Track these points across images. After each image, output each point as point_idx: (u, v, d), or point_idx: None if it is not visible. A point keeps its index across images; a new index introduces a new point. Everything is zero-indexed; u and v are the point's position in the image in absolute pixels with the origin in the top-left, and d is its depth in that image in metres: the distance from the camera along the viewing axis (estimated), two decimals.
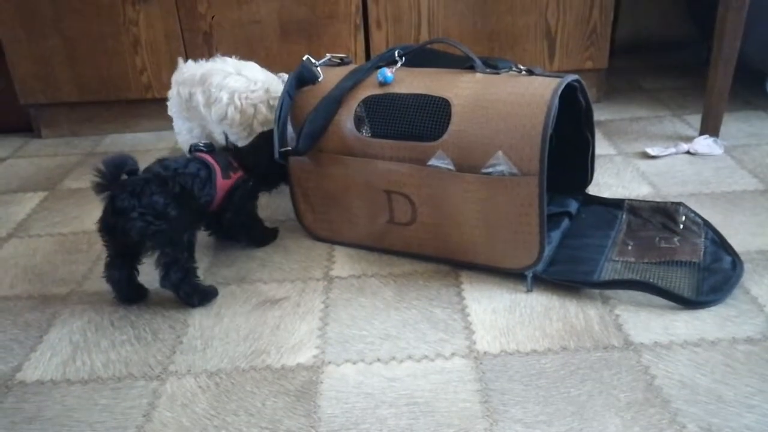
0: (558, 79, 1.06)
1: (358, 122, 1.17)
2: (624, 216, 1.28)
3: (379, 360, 0.98)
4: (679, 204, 1.26)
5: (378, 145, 1.14)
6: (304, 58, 1.24)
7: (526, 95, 1.04)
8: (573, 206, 1.29)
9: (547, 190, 1.04)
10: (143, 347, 1.04)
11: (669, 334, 1.00)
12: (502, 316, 1.06)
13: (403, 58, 1.21)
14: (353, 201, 1.22)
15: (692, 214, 1.23)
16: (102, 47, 1.80)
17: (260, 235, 1.30)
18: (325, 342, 1.03)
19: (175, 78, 1.46)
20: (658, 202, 1.28)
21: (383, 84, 1.16)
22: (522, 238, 1.08)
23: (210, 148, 1.20)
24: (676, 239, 1.19)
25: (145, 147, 1.83)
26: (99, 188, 1.03)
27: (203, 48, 1.80)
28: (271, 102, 1.38)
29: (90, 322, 1.11)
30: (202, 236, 1.26)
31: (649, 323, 1.02)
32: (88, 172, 1.68)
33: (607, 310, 1.06)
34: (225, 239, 1.32)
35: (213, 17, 1.76)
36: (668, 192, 1.41)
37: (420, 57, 1.22)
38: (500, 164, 1.04)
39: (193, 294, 1.11)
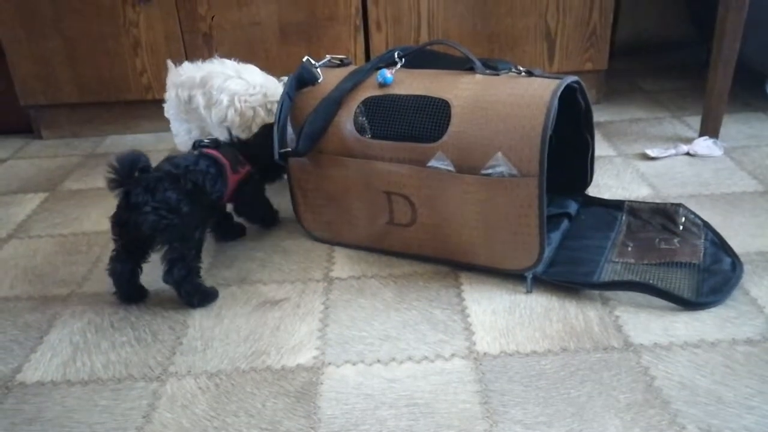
0: (557, 81, 1.06)
1: (360, 129, 1.17)
2: (624, 217, 1.28)
3: (378, 361, 0.98)
4: (679, 205, 1.26)
5: (378, 146, 1.14)
6: (304, 60, 1.24)
7: (525, 96, 1.05)
8: (573, 207, 1.29)
9: (546, 191, 1.04)
10: (143, 348, 1.04)
11: (669, 336, 1.00)
12: (501, 317, 1.06)
13: (403, 60, 1.21)
14: (353, 202, 1.22)
15: (692, 216, 1.24)
16: (102, 48, 1.80)
17: (270, 217, 1.35)
18: (325, 343, 1.03)
19: (173, 80, 1.46)
20: (657, 204, 1.28)
21: (383, 85, 1.16)
22: (522, 239, 1.08)
23: (216, 143, 1.22)
24: (675, 240, 1.19)
25: (145, 148, 1.83)
26: (113, 184, 1.04)
27: (203, 49, 1.80)
28: (269, 106, 1.39)
29: (90, 323, 1.11)
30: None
31: (648, 324, 1.02)
32: (89, 173, 1.70)
33: (606, 311, 1.06)
34: (225, 240, 1.32)
35: (213, 17, 1.76)
36: (668, 193, 1.41)
37: (420, 58, 1.22)
38: (500, 165, 1.05)
39: (194, 293, 1.12)
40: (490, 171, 1.06)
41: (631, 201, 1.31)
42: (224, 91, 1.39)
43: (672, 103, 1.92)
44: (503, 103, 1.05)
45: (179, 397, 0.94)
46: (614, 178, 1.50)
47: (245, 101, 1.39)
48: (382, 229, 1.21)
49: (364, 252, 1.26)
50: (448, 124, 1.08)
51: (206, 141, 1.22)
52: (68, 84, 1.85)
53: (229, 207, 1.31)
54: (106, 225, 1.42)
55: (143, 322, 1.11)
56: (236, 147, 1.25)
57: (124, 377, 0.99)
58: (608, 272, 1.13)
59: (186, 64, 1.48)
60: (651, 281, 1.09)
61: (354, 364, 0.98)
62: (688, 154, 1.58)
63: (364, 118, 1.18)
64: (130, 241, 1.10)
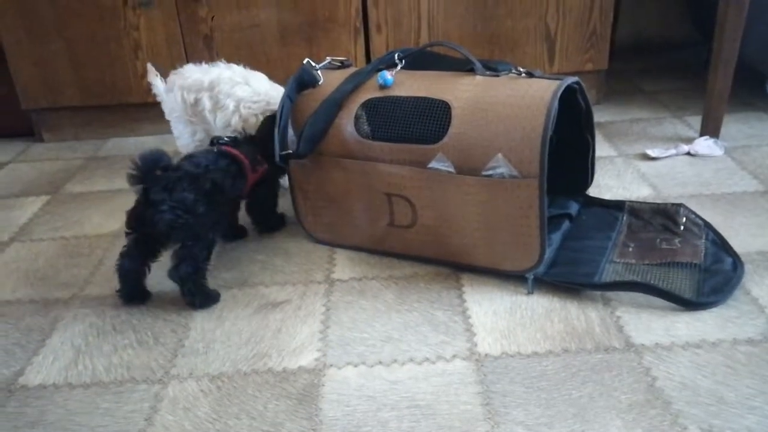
0: (557, 82, 1.06)
1: (361, 131, 1.17)
2: (624, 218, 1.28)
3: (380, 363, 0.98)
4: (680, 205, 1.26)
5: (378, 147, 1.15)
6: (305, 62, 1.24)
7: (525, 97, 1.05)
8: (573, 208, 1.29)
9: (547, 192, 1.04)
10: (145, 351, 1.05)
11: (670, 336, 1.00)
12: (503, 318, 1.06)
13: (403, 61, 1.21)
14: (354, 204, 1.22)
15: (693, 216, 1.24)
16: (104, 51, 1.81)
17: (275, 222, 1.36)
18: (327, 345, 1.03)
19: (179, 82, 1.46)
20: (658, 204, 1.28)
21: (383, 87, 1.16)
22: (522, 240, 1.08)
23: (235, 141, 1.23)
24: (676, 241, 1.19)
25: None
26: (134, 180, 1.06)
27: (204, 52, 1.80)
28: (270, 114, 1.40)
29: (92, 326, 1.11)
30: None
31: (650, 325, 1.02)
32: (90, 176, 1.70)
33: (608, 311, 1.06)
34: (227, 241, 1.32)
35: (213, 18, 1.76)
36: (669, 193, 1.41)
37: (420, 60, 1.22)
38: (500, 166, 1.05)
39: (196, 293, 1.12)
40: (490, 172, 1.06)
41: (632, 201, 1.31)
42: (231, 96, 1.40)
43: (672, 103, 1.92)
44: (503, 104, 1.06)
45: (181, 399, 0.94)
46: (615, 178, 1.50)
47: (248, 107, 1.40)
48: (382, 231, 1.22)
49: (365, 254, 1.26)
50: (448, 126, 1.09)
51: (225, 139, 1.23)
52: (70, 87, 1.85)
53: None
54: (108, 228, 1.43)
55: (145, 324, 1.11)
56: (255, 145, 1.25)
57: (126, 380, 0.99)
58: (609, 273, 1.13)
59: (190, 66, 1.48)
60: (652, 281, 1.09)
61: (355, 365, 0.98)
62: (688, 154, 1.58)
63: (364, 120, 1.19)
64: (143, 237, 1.11)
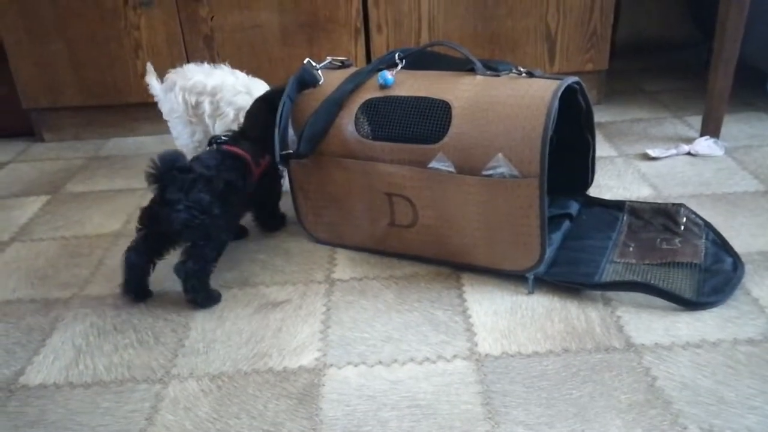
0: (558, 82, 1.06)
1: (361, 131, 1.17)
2: (625, 217, 1.28)
3: (380, 362, 0.99)
4: (680, 205, 1.26)
5: (379, 147, 1.15)
6: (305, 62, 1.24)
7: (526, 97, 1.05)
8: (574, 208, 1.29)
9: (547, 192, 1.04)
10: (146, 351, 1.05)
11: (670, 336, 1.00)
12: (503, 317, 1.06)
13: (404, 61, 1.21)
14: (354, 203, 1.22)
15: (693, 216, 1.24)
16: (104, 51, 1.81)
17: (278, 221, 1.37)
18: (327, 345, 1.03)
19: (181, 83, 1.45)
20: (659, 204, 1.28)
21: (384, 87, 1.16)
22: (523, 240, 1.08)
23: (234, 139, 1.24)
24: (677, 240, 1.19)
25: (147, 150, 1.84)
26: (151, 179, 1.07)
27: (204, 52, 1.80)
28: None
29: (92, 325, 1.11)
30: None
31: (650, 324, 1.02)
32: (91, 176, 1.70)
33: (608, 311, 1.06)
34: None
35: (212, 17, 1.76)
36: (669, 193, 1.41)
37: (420, 60, 1.22)
38: (501, 166, 1.05)
39: (199, 290, 1.13)
40: (490, 172, 1.06)
41: (632, 201, 1.31)
42: (232, 105, 1.41)
43: (673, 103, 1.92)
44: (504, 104, 1.06)
45: (182, 399, 0.94)
46: (615, 178, 1.50)
47: (239, 126, 1.40)
48: (383, 231, 1.22)
49: (365, 253, 1.27)
50: (448, 126, 1.09)
51: (223, 137, 1.24)
52: (70, 87, 1.85)
53: None
54: (108, 228, 1.43)
55: (145, 324, 1.11)
56: (246, 137, 1.25)
57: (126, 379, 0.99)
58: (609, 272, 1.13)
59: (191, 66, 1.47)
60: (652, 281, 1.09)
61: (356, 365, 0.98)
62: (689, 154, 1.58)
63: (365, 120, 1.19)
64: (153, 235, 1.13)
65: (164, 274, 1.24)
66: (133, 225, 1.42)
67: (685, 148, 1.59)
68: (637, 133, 1.74)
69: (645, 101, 1.96)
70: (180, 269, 1.11)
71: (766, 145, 1.61)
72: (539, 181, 1.03)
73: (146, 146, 1.88)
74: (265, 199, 1.33)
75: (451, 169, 1.09)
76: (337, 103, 1.17)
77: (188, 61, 1.79)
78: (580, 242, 1.21)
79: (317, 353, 1.01)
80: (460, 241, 1.15)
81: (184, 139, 1.54)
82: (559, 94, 1.04)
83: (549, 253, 1.14)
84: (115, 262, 1.30)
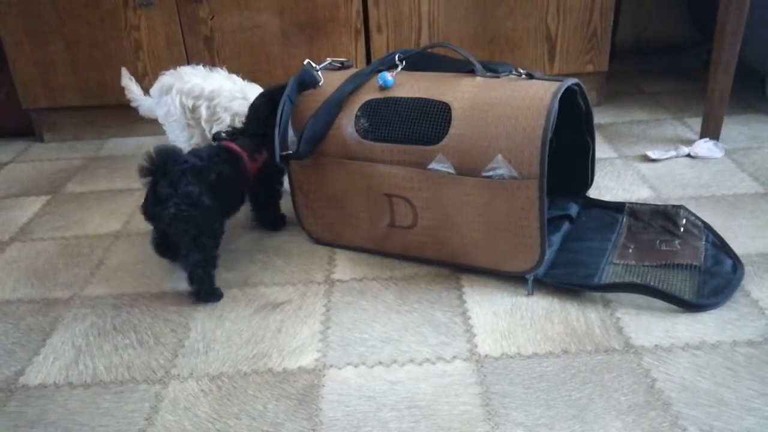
0: (557, 83, 1.06)
1: (361, 132, 1.18)
2: (624, 219, 1.28)
3: (380, 363, 0.99)
4: (680, 207, 1.26)
5: (378, 148, 1.15)
6: (305, 63, 1.24)
7: (525, 99, 1.05)
8: (573, 209, 1.29)
9: (547, 193, 1.04)
10: (145, 351, 1.05)
11: (670, 337, 1.00)
12: (503, 319, 1.06)
13: (404, 62, 1.21)
14: (354, 204, 1.22)
15: (693, 217, 1.24)
16: (104, 52, 1.81)
17: (277, 220, 1.38)
18: (327, 345, 1.03)
19: (178, 86, 1.45)
20: (658, 205, 1.28)
21: (383, 88, 1.17)
22: (522, 242, 1.08)
23: (233, 135, 1.27)
24: (676, 242, 1.19)
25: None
26: (144, 172, 1.10)
27: (204, 53, 1.80)
28: None
29: (92, 325, 1.11)
30: None
31: (649, 326, 1.02)
32: (91, 176, 1.70)
33: (608, 313, 1.06)
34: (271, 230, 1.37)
35: (212, 17, 1.76)
36: (669, 195, 1.41)
37: (420, 61, 1.22)
38: (500, 168, 1.05)
39: (204, 282, 1.14)
40: (490, 173, 1.06)
41: (632, 203, 1.31)
42: (228, 110, 1.42)
43: (673, 104, 1.93)
44: (503, 105, 1.06)
45: (181, 399, 0.94)
46: (615, 179, 1.50)
47: (242, 123, 1.41)
48: (383, 232, 1.22)
49: (365, 254, 1.27)
50: (448, 127, 1.09)
51: (223, 134, 1.27)
52: (70, 87, 1.85)
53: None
54: (108, 228, 1.43)
55: (145, 324, 1.11)
56: (246, 134, 1.28)
57: (126, 380, 0.99)
58: (609, 274, 1.13)
59: (187, 69, 1.47)
60: (652, 283, 1.09)
61: (355, 366, 0.98)
62: (688, 155, 1.59)
63: (364, 121, 1.19)
64: (158, 228, 1.18)
65: (164, 274, 1.24)
66: (133, 225, 1.43)
67: (685, 149, 1.59)
68: (637, 135, 1.74)
69: (645, 103, 1.96)
70: (185, 262, 1.13)
71: (765, 147, 1.61)
72: (539, 183, 1.03)
73: (146, 146, 1.85)
74: (264, 195, 1.34)
75: (451, 170, 1.09)
76: (336, 104, 1.17)
77: (188, 62, 1.79)
78: (580, 244, 1.21)
79: (317, 354, 1.01)
80: (459, 242, 1.15)
81: (182, 143, 1.53)
82: (559, 95, 1.04)
83: (548, 254, 1.14)
84: (115, 262, 1.30)
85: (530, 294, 1.11)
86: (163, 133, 1.86)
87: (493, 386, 0.93)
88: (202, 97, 1.43)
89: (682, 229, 1.22)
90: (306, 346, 1.03)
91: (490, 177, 1.06)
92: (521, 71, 1.13)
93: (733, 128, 1.71)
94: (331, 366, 0.99)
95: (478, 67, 1.14)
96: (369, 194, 1.19)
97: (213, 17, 1.77)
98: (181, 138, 1.52)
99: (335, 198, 1.24)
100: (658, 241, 1.20)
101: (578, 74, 1.73)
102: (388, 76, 1.17)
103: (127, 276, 1.25)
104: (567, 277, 1.12)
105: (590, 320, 1.05)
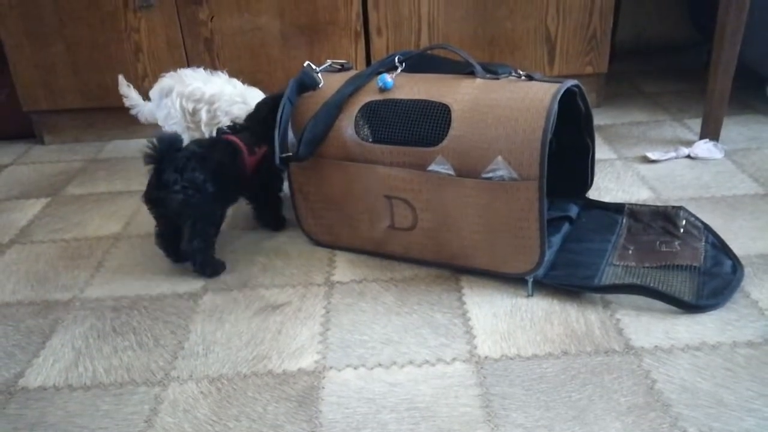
0: (557, 84, 1.06)
1: (361, 134, 1.18)
2: (624, 220, 1.28)
3: (380, 365, 0.99)
4: (680, 208, 1.26)
5: (378, 150, 1.15)
6: (305, 65, 1.24)
7: (525, 100, 1.05)
8: (573, 211, 1.29)
9: (547, 194, 1.04)
10: (145, 353, 1.05)
11: (670, 338, 1.00)
12: (503, 320, 1.06)
13: (403, 64, 1.21)
14: (354, 206, 1.22)
15: (692, 218, 1.24)
16: (104, 54, 1.81)
17: (278, 220, 1.39)
18: (327, 347, 1.03)
19: (179, 89, 1.45)
20: (658, 207, 1.28)
21: (383, 90, 1.17)
22: (522, 243, 1.08)
23: (235, 129, 1.31)
24: (676, 243, 1.19)
25: None
26: (148, 159, 1.13)
27: (204, 55, 1.80)
28: None
29: (92, 328, 1.11)
30: None
31: (649, 327, 1.02)
32: (91, 178, 1.70)
33: (607, 314, 1.06)
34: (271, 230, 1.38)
35: (212, 18, 1.76)
36: (668, 196, 1.41)
37: (420, 63, 1.22)
38: (500, 169, 1.05)
39: (207, 264, 1.21)
40: (490, 175, 1.06)
41: (632, 204, 1.31)
42: (228, 114, 1.42)
43: (672, 105, 1.93)
44: (503, 107, 1.06)
45: (181, 401, 0.94)
46: (615, 181, 1.50)
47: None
48: (383, 233, 1.22)
49: (365, 256, 1.27)
50: (448, 129, 1.09)
51: (225, 128, 1.31)
52: (70, 90, 1.86)
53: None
54: (108, 230, 1.43)
55: (145, 326, 1.11)
56: (249, 129, 1.30)
57: (126, 382, 0.99)
58: (609, 275, 1.13)
59: (187, 72, 1.47)
60: (652, 284, 1.09)
61: (355, 368, 0.98)
62: (688, 156, 1.58)
63: (364, 123, 1.19)
64: (161, 217, 1.20)
65: (163, 277, 1.24)
66: (133, 227, 1.43)
67: (685, 150, 1.59)
68: (637, 136, 1.74)
69: (644, 104, 1.96)
70: (187, 249, 1.18)
71: (765, 148, 1.61)
72: (539, 184, 1.03)
73: None
74: (263, 192, 1.34)
75: (451, 172, 1.09)
76: (336, 106, 1.17)
77: (188, 64, 1.79)
78: (580, 245, 1.21)
79: (317, 356, 1.01)
80: (459, 243, 1.15)
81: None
82: (559, 97, 1.04)
83: (548, 255, 1.14)
84: (114, 264, 1.30)
85: (530, 295, 1.11)
86: None
87: (493, 388, 0.93)
88: (203, 100, 1.43)
89: (681, 230, 1.22)
90: (306, 347, 1.03)
91: (490, 178, 1.06)
92: (521, 73, 1.13)
93: (733, 129, 1.71)
94: (330, 368, 0.99)
95: (478, 68, 1.14)
96: (369, 196, 1.19)
97: (213, 17, 1.77)
98: None
99: (335, 200, 1.24)
100: (657, 243, 1.20)
101: (578, 75, 1.74)
102: (388, 77, 1.17)
103: (126, 278, 1.25)
104: (567, 279, 1.12)
105: (590, 321, 1.05)
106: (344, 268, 1.24)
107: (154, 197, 1.17)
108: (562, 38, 1.80)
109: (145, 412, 0.93)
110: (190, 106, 1.44)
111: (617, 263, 1.16)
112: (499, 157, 1.05)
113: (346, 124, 1.17)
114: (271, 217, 1.38)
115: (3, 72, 1.85)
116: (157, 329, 1.10)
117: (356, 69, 1.30)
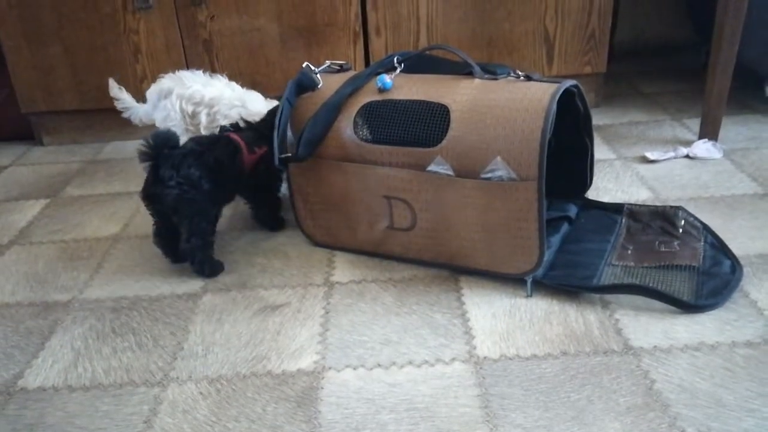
0: (556, 85, 1.07)
1: (360, 134, 1.18)
2: (623, 220, 1.28)
3: (379, 365, 0.99)
4: (679, 208, 1.26)
5: (377, 151, 1.15)
6: (304, 65, 1.24)
7: (524, 101, 1.05)
8: (572, 211, 1.29)
9: (546, 194, 1.04)
10: (144, 354, 1.05)
11: (668, 339, 1.00)
12: (502, 320, 1.06)
13: (402, 65, 1.22)
14: (353, 207, 1.22)
15: (691, 218, 1.24)
16: (103, 55, 1.81)
17: (276, 220, 1.39)
18: (326, 348, 1.03)
19: (179, 91, 1.45)
20: (657, 207, 1.28)
21: (382, 90, 1.17)
22: (521, 243, 1.08)
23: (236, 127, 1.33)
24: (675, 243, 1.19)
25: None
26: (144, 156, 1.15)
27: (203, 56, 1.80)
28: None
29: (91, 329, 1.11)
30: None
31: (648, 327, 1.02)
32: (90, 179, 1.70)
33: (606, 314, 1.06)
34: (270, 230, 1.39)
35: (212, 18, 1.76)
36: (667, 196, 1.42)
37: (419, 63, 1.22)
38: (499, 169, 1.05)
39: (205, 262, 1.21)
40: (489, 175, 1.06)
41: (631, 204, 1.31)
42: (227, 117, 1.42)
43: (671, 105, 1.93)
44: (502, 107, 1.06)
45: (180, 402, 0.94)
46: (614, 181, 1.50)
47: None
48: (382, 234, 1.22)
49: (364, 256, 1.27)
50: (447, 129, 1.09)
51: (228, 126, 1.32)
52: (69, 91, 1.86)
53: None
54: (107, 231, 1.43)
55: (144, 327, 1.11)
56: (252, 130, 1.32)
57: (125, 382, 0.99)
58: (608, 275, 1.13)
59: (186, 74, 1.47)
60: (651, 284, 1.09)
61: (354, 368, 0.98)
62: (687, 156, 1.59)
63: (363, 124, 1.19)
64: (158, 213, 1.21)
65: (162, 278, 1.24)
66: (132, 228, 1.44)
67: (684, 150, 1.59)
68: (636, 136, 1.74)
69: (643, 104, 1.96)
70: (186, 248, 1.19)
71: (764, 148, 1.61)
72: (537, 184, 1.03)
73: None
74: (262, 191, 1.34)
75: (450, 172, 1.09)
76: (335, 106, 1.18)
77: (188, 66, 1.79)
78: (579, 245, 1.21)
79: (316, 356, 1.01)
80: (458, 244, 1.15)
81: None
82: (557, 97, 1.04)
83: (547, 256, 1.14)
84: (113, 265, 1.30)
85: (529, 295, 1.12)
86: None
87: (492, 388, 0.93)
88: (203, 103, 1.43)
89: (680, 230, 1.22)
90: (305, 348, 1.03)
91: (488, 179, 1.06)
92: (519, 73, 1.13)
93: (732, 129, 1.71)
94: (330, 368, 0.99)
95: (477, 69, 1.15)
96: (368, 196, 1.19)
97: (212, 18, 1.77)
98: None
99: (334, 200, 1.24)
100: (656, 243, 1.20)
101: (576, 76, 1.74)
102: (387, 78, 1.17)
103: (125, 279, 1.25)
104: (566, 279, 1.12)
105: (589, 322, 1.05)
106: (343, 268, 1.24)
107: (150, 193, 1.18)
108: (560, 38, 1.80)
109: (144, 413, 0.93)
110: (189, 109, 1.44)
111: (616, 263, 1.16)
112: (498, 158, 1.05)
113: (345, 125, 1.17)
114: (269, 218, 1.38)
115: (1, 73, 1.85)
116: (157, 330, 1.10)
117: (355, 70, 1.30)
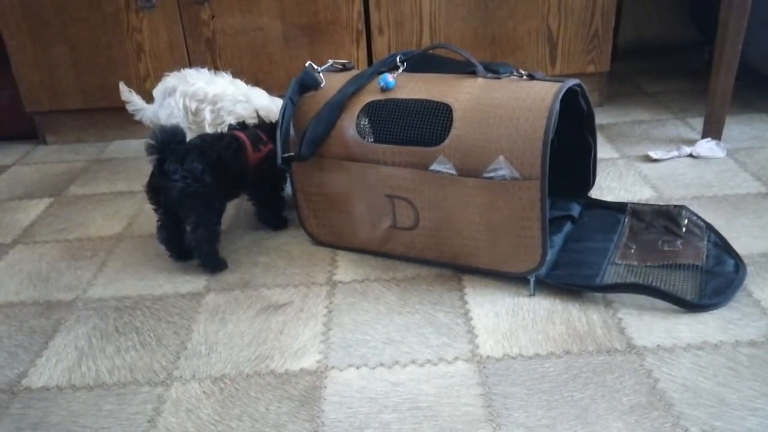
0: (559, 84, 1.06)
1: (363, 134, 1.18)
2: (626, 219, 1.28)
3: (382, 364, 0.99)
4: (682, 207, 1.26)
5: (380, 150, 1.15)
6: (307, 64, 1.24)
7: (527, 100, 1.05)
8: (575, 210, 1.29)
9: (549, 194, 1.04)
10: (148, 353, 1.05)
11: (672, 338, 1.00)
12: (504, 320, 1.06)
13: (405, 64, 1.21)
14: (356, 206, 1.22)
15: (695, 217, 1.24)
16: (106, 55, 1.81)
17: (280, 219, 1.39)
18: (329, 347, 1.03)
19: (182, 89, 1.46)
20: (660, 206, 1.28)
21: (385, 89, 1.17)
22: (524, 242, 1.08)
23: (243, 125, 1.35)
24: (678, 242, 1.19)
25: None
26: (151, 150, 1.17)
27: (206, 55, 1.81)
28: None
29: (95, 328, 1.12)
30: None
31: (651, 327, 1.02)
32: (93, 178, 1.71)
33: (609, 313, 1.06)
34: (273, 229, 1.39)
35: (213, 17, 1.77)
36: (671, 195, 1.41)
37: (421, 62, 1.22)
38: (502, 169, 1.05)
39: (210, 255, 1.23)
40: (492, 174, 1.06)
41: (634, 203, 1.31)
42: (232, 114, 1.43)
43: (674, 104, 1.92)
44: (505, 106, 1.06)
45: (184, 401, 0.94)
46: (617, 180, 1.50)
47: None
48: (385, 233, 1.22)
49: (367, 255, 1.27)
50: (449, 128, 1.09)
51: (235, 124, 1.35)
52: (73, 90, 1.86)
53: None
54: (111, 230, 1.44)
55: (148, 326, 1.11)
56: (261, 127, 1.34)
57: (129, 382, 0.99)
58: (611, 274, 1.13)
59: (191, 72, 1.48)
60: (654, 283, 1.09)
61: (357, 367, 0.99)
62: (690, 155, 1.58)
63: (366, 123, 1.19)
64: (163, 207, 1.22)
65: (166, 277, 1.25)
66: (136, 227, 1.44)
67: (687, 149, 1.59)
68: (639, 135, 1.74)
69: (646, 103, 1.96)
70: (192, 239, 1.21)
71: (767, 147, 1.61)
72: (540, 183, 1.03)
73: None
74: (265, 189, 1.35)
75: (453, 171, 1.09)
76: (338, 105, 1.18)
77: (190, 64, 1.80)
78: (582, 244, 1.21)
79: (319, 355, 1.02)
80: (461, 243, 1.15)
81: None
82: (560, 96, 1.04)
83: (550, 255, 1.14)
84: (117, 264, 1.30)
85: (532, 295, 1.11)
86: None
87: (495, 387, 0.93)
88: (206, 100, 1.44)
89: (684, 230, 1.22)
90: (308, 347, 1.03)
91: (491, 178, 1.06)
92: (522, 72, 1.13)
93: (735, 128, 1.71)
94: (332, 367, 0.99)
95: (480, 68, 1.14)
96: (370, 196, 1.19)
97: (213, 17, 1.77)
98: None
99: (337, 199, 1.24)
100: (660, 242, 1.20)
101: (580, 75, 1.74)
102: (390, 77, 1.17)
103: (129, 278, 1.25)
104: (569, 278, 1.12)
105: (592, 321, 1.05)
106: (346, 267, 1.24)
107: (155, 186, 1.20)
108: (563, 37, 1.80)
109: (148, 412, 0.93)
110: (193, 106, 1.44)
111: (619, 262, 1.16)
112: (501, 157, 1.05)
113: (348, 124, 1.17)
114: (273, 217, 1.38)
115: (5, 73, 1.86)
116: (160, 329, 1.10)
117: (358, 69, 1.30)
